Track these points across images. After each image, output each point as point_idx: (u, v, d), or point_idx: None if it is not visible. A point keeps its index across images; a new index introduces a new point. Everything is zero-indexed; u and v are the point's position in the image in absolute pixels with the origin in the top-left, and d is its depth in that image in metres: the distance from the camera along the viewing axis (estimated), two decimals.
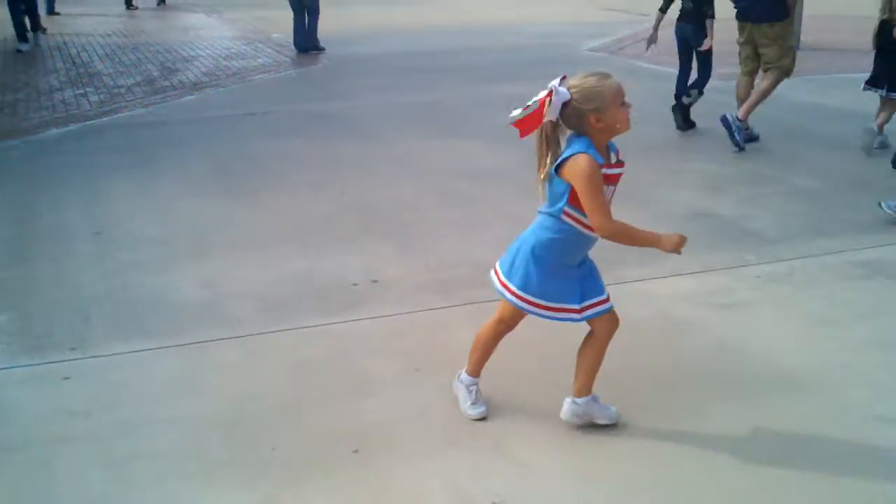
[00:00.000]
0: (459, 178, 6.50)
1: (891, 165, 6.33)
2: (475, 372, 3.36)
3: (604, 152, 2.96)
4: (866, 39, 7.24)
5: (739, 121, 7.16)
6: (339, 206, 5.91)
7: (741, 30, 7.35)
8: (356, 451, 3.11)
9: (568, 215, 2.98)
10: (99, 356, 3.85)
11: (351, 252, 5.04)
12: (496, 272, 3.17)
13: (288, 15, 13.14)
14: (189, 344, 3.94)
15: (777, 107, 7.45)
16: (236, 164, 7.00)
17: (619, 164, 3.02)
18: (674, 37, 8.00)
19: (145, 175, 6.66)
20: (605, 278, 4.49)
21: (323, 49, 13.10)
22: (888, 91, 7.01)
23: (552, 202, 3.00)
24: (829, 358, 3.78)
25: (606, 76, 2.93)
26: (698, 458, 3.08)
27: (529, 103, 2.93)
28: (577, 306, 3.06)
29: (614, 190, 3.03)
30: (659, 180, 6.41)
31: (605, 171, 2.92)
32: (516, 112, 2.96)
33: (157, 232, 5.40)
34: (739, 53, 7.50)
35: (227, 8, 19.15)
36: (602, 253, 5.00)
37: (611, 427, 3.24)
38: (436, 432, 3.24)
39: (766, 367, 3.69)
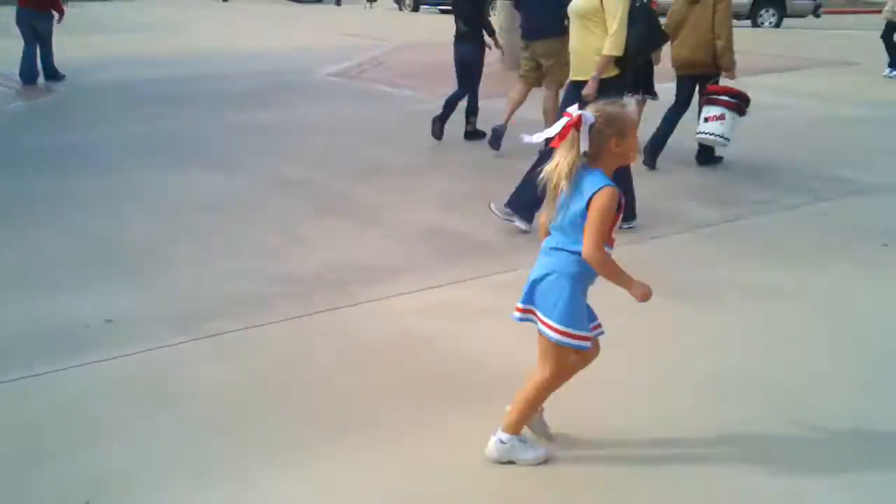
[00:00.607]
0: (197, 209, 6.34)
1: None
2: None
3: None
4: None
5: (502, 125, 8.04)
6: (70, 244, 5.56)
7: (525, 47, 8.16)
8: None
9: None
10: None
11: (81, 292, 4.75)
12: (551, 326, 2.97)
13: (9, 44, 12.34)
14: None
15: (511, 125, 7.93)
16: None
17: None
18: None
19: None
20: (344, 298, 4.57)
21: (63, 76, 12.52)
22: (643, 94, 8.07)
23: (574, 239, 2.90)
24: None
25: (624, 104, 3.01)
26: (442, 468, 3.13)
27: (556, 127, 2.88)
28: (588, 333, 3.02)
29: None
30: (392, 201, 6.58)
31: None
32: (538, 137, 2.93)
33: None
34: (521, 66, 8.29)
35: None
36: (340, 273, 5.03)
37: (371, 445, 3.24)
38: (180, 475, 3.11)
39: (504, 372, 3.76)
